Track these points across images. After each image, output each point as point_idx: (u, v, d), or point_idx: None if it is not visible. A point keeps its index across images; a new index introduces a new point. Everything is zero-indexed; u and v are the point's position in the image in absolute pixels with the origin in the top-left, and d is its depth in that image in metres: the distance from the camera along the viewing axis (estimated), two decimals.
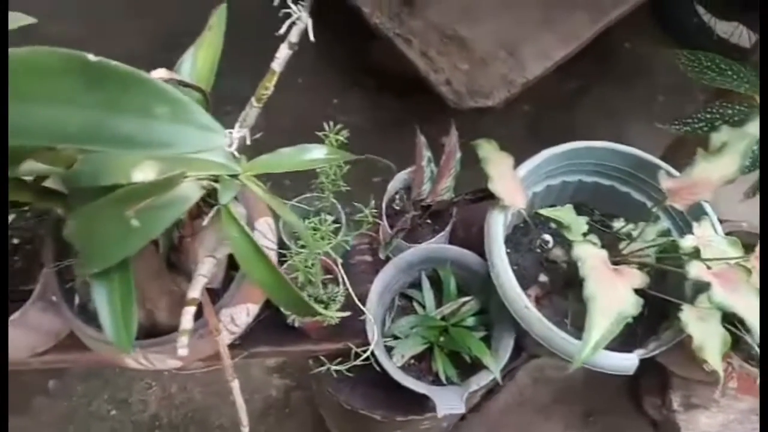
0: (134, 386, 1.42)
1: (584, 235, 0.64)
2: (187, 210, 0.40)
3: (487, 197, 0.70)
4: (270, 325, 0.74)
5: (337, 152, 0.44)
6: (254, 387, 1.42)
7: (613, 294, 0.51)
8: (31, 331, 0.69)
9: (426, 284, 0.73)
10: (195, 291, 0.44)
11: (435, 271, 0.74)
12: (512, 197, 0.65)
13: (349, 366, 0.65)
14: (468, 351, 0.68)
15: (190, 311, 0.43)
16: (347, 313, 0.63)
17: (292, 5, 0.55)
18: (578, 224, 0.64)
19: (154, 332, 0.59)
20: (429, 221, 0.76)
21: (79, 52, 0.30)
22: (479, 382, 0.66)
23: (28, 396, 1.41)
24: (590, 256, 0.53)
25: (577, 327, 0.68)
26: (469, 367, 0.70)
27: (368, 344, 0.71)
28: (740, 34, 1.67)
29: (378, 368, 0.68)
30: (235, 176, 0.42)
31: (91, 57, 0.30)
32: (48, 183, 0.47)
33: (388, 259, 0.74)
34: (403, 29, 1.26)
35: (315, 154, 0.44)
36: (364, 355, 0.65)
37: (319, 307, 0.65)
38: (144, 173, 0.40)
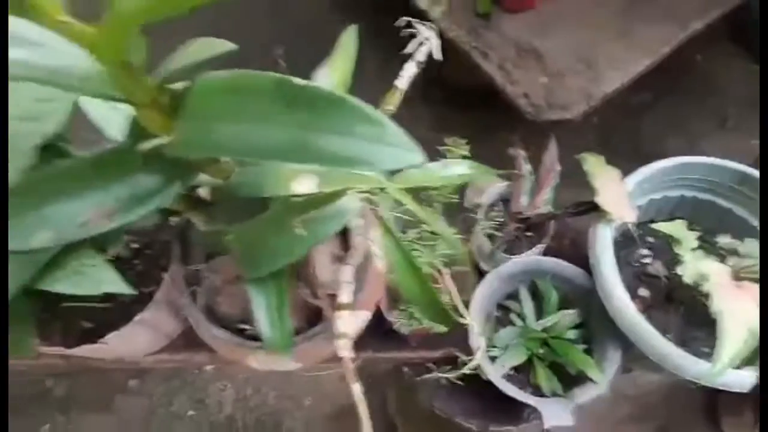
0: (210, 387, 1.47)
1: (693, 250, 0.65)
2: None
3: (589, 210, 0.71)
4: (372, 331, 0.76)
5: (481, 168, 0.46)
6: (325, 393, 1.45)
7: (741, 310, 0.51)
8: (150, 330, 0.73)
9: (526, 296, 0.74)
10: (345, 296, 0.46)
11: (533, 283, 0.75)
12: (620, 211, 0.65)
13: (458, 374, 0.67)
14: (572, 363, 0.69)
15: (343, 315, 0.46)
16: (466, 321, 0.64)
17: (420, 25, 0.58)
18: (688, 239, 0.64)
19: None
20: (527, 233, 0.77)
21: (287, 76, 0.32)
22: (586, 395, 0.66)
23: (110, 394, 1.48)
24: (714, 272, 0.54)
25: (681, 342, 0.68)
26: (570, 379, 0.70)
27: (468, 353, 0.73)
28: None
29: (482, 377, 0.69)
30: (382, 189, 0.44)
31: (298, 81, 0.32)
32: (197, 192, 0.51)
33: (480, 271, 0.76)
34: (480, 43, 1.28)
35: (460, 169, 0.46)
36: (471, 363, 0.66)
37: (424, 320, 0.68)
38: (303, 186, 0.43)
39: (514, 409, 0.81)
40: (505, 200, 0.79)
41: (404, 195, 0.43)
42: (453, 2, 1.27)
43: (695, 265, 0.61)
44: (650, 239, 0.77)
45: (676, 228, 0.63)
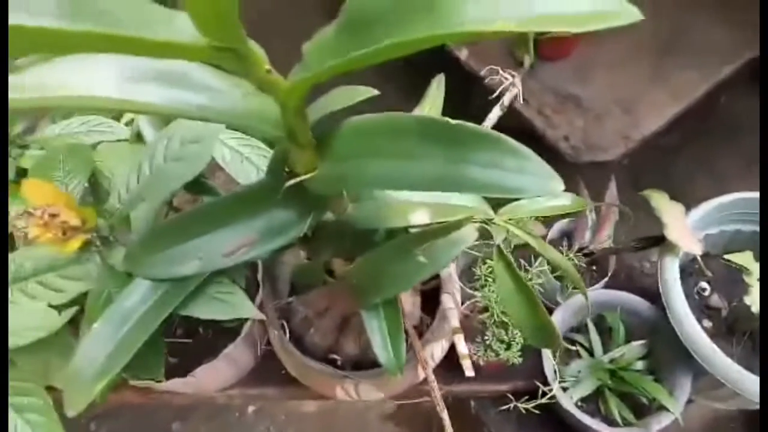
0: (254, 431, 1.47)
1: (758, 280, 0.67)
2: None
3: (652, 245, 0.75)
4: (441, 364, 0.79)
5: (581, 201, 0.50)
6: None
7: None
8: (231, 364, 0.76)
9: (593, 329, 0.77)
10: (454, 321, 0.49)
11: (598, 316, 0.78)
12: (687, 244, 0.69)
13: (536, 404, 0.69)
14: (644, 393, 0.71)
15: (460, 338, 0.48)
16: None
17: (504, 73, 0.63)
18: (756, 270, 0.67)
19: (363, 365, 0.65)
20: (592, 268, 0.80)
21: (440, 117, 0.37)
22: (660, 423, 0.68)
23: None
24: None
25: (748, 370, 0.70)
26: (639, 409, 0.72)
27: (534, 386, 0.75)
28: None
29: (547, 411, 0.71)
30: (490, 220, 0.48)
31: (444, 119, 0.37)
32: None
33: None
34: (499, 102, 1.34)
35: (562, 201, 0.49)
36: (550, 394, 0.68)
37: (501, 349, 0.70)
38: (418, 218, 0.47)
39: None
40: (567, 235, 0.83)
41: (510, 224, 0.47)
42: (492, 52, 1.33)
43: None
44: (708, 273, 0.80)
45: (746, 259, 0.66)
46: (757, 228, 0.78)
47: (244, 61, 0.30)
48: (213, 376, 0.74)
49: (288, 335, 0.68)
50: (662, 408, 0.69)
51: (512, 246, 0.61)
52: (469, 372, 0.49)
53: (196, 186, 0.45)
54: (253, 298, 0.73)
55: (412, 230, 0.47)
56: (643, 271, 0.89)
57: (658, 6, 1.33)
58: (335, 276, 0.64)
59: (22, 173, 0.51)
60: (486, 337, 0.71)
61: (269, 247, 0.45)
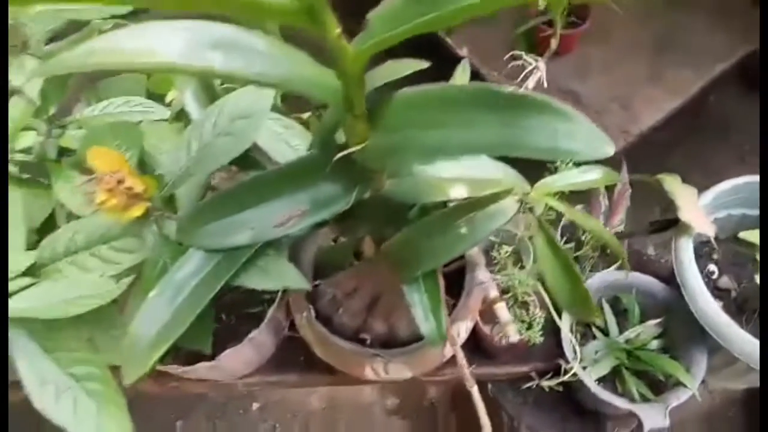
0: (259, 428, 1.48)
1: None
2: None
3: (666, 228, 0.77)
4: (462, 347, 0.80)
5: (612, 174, 0.52)
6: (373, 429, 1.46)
7: None
8: (254, 350, 0.77)
9: (608, 310, 0.79)
10: (493, 291, 0.51)
11: (614, 298, 0.80)
12: (701, 225, 0.71)
13: (559, 381, 0.70)
14: (661, 370, 0.73)
15: (502, 306, 0.50)
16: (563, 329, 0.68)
17: (528, 58, 0.65)
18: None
19: (392, 344, 0.66)
20: (606, 252, 0.82)
21: (493, 86, 0.38)
22: (679, 398, 0.70)
23: None
24: None
25: None
26: (656, 385, 0.74)
27: (552, 367, 0.77)
28: None
29: (565, 394, 0.73)
30: (527, 194, 0.50)
31: (499, 88, 0.38)
32: None
33: None
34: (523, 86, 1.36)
35: (594, 175, 0.51)
36: (571, 372, 0.70)
37: (523, 328, 0.72)
38: (458, 191, 0.48)
39: (596, 424, 0.84)
40: None
41: (552, 199, 0.48)
42: (491, 48, 1.35)
43: None
44: (715, 256, 0.83)
45: (756, 237, 0.68)
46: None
47: (321, 22, 0.32)
48: (237, 361, 0.75)
49: (315, 317, 0.69)
50: (679, 384, 0.71)
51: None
52: (514, 337, 0.50)
53: (244, 160, 0.46)
54: None
55: (450, 205, 0.49)
56: (650, 257, 0.92)
57: (653, 6, 1.38)
58: (363, 258, 0.66)
59: (63, 152, 0.52)
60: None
61: (316, 219, 0.46)
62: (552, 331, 0.77)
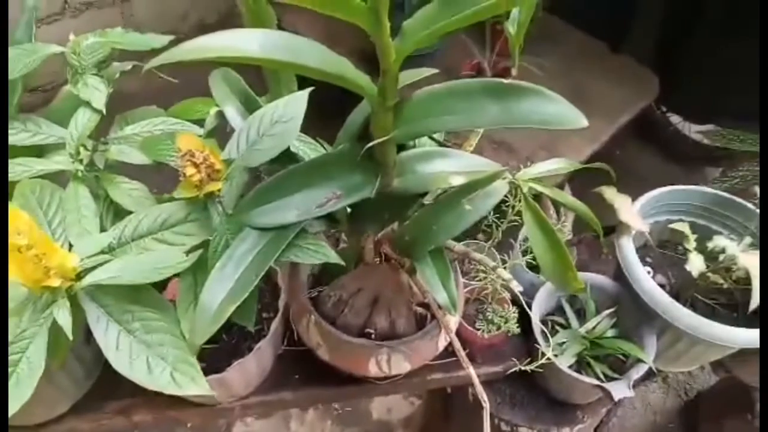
0: None
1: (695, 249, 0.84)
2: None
3: (609, 232, 0.91)
4: (442, 355, 0.88)
5: (574, 164, 0.64)
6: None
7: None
8: (257, 363, 0.81)
9: (568, 307, 0.90)
10: (489, 261, 0.61)
11: (571, 297, 0.92)
12: (636, 223, 0.85)
13: (537, 365, 0.80)
14: (620, 352, 0.84)
15: (505, 273, 0.59)
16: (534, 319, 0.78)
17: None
18: (691, 239, 0.84)
19: (393, 339, 0.74)
20: None
21: (497, 79, 0.50)
22: (638, 372, 0.81)
23: None
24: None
25: None
26: (619, 367, 0.85)
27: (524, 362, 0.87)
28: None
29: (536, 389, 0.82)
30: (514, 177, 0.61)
31: (505, 81, 0.50)
32: None
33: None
34: (459, 139, 1.52)
35: (559, 165, 0.63)
36: (547, 356, 0.79)
37: (501, 322, 0.82)
38: (457, 180, 0.59)
39: (567, 413, 0.93)
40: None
41: (530, 181, 0.60)
42: None
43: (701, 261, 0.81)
44: (649, 259, 0.97)
45: (684, 227, 0.82)
46: (683, 217, 0.96)
47: (380, 22, 0.42)
48: (241, 376, 0.79)
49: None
50: (636, 363, 0.83)
51: (514, 210, 0.74)
52: (514, 286, 0.59)
53: (285, 157, 0.55)
54: (276, 299, 0.80)
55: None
56: (593, 260, 1.06)
57: (562, 69, 1.60)
58: (364, 262, 0.74)
59: (111, 163, 0.58)
60: (488, 314, 0.83)
61: (350, 201, 0.55)
62: (521, 332, 0.87)
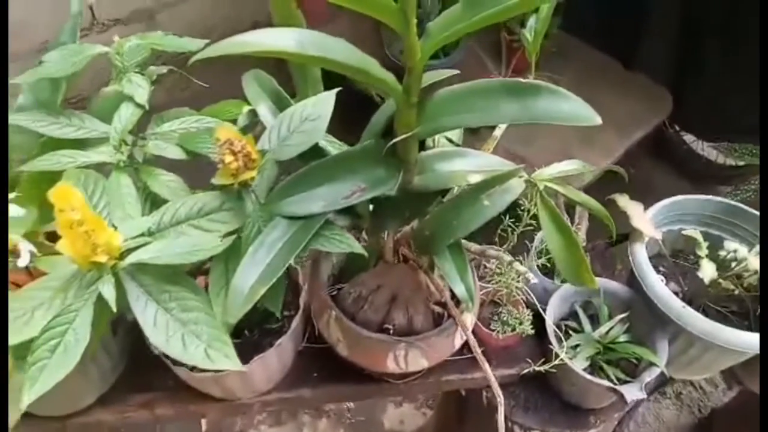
0: None
1: (707, 257, 0.86)
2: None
3: (621, 240, 0.93)
4: (456, 355, 0.89)
5: (586, 166, 0.67)
6: None
7: None
8: (278, 358, 0.83)
9: (582, 312, 0.92)
10: (506, 256, 0.63)
11: (585, 302, 0.93)
12: (649, 230, 0.87)
13: (551, 366, 0.81)
14: (633, 356, 0.85)
15: (521, 266, 0.62)
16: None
17: None
18: (703, 246, 0.86)
19: (411, 335, 0.76)
20: None
21: (516, 79, 0.53)
22: (651, 375, 0.82)
23: None
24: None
25: None
26: (632, 370, 0.86)
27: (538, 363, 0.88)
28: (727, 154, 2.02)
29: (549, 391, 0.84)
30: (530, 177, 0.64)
31: (523, 80, 0.53)
32: None
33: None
34: (477, 144, 1.55)
35: (573, 166, 0.66)
36: (561, 357, 0.81)
37: (516, 323, 0.84)
38: (475, 178, 0.62)
39: (580, 417, 0.94)
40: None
41: (547, 182, 0.62)
42: None
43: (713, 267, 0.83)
44: (662, 268, 0.99)
45: (697, 234, 0.84)
46: (696, 227, 0.98)
47: (408, 21, 0.46)
48: (262, 371, 0.81)
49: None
50: (649, 366, 0.84)
51: (529, 214, 0.77)
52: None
53: (313, 153, 0.58)
54: (297, 297, 0.83)
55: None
56: (605, 268, 1.07)
57: (576, 85, 1.63)
58: (384, 260, 0.77)
59: (148, 158, 0.62)
60: (502, 316, 0.85)
61: (374, 194, 0.58)
62: (536, 334, 0.88)
